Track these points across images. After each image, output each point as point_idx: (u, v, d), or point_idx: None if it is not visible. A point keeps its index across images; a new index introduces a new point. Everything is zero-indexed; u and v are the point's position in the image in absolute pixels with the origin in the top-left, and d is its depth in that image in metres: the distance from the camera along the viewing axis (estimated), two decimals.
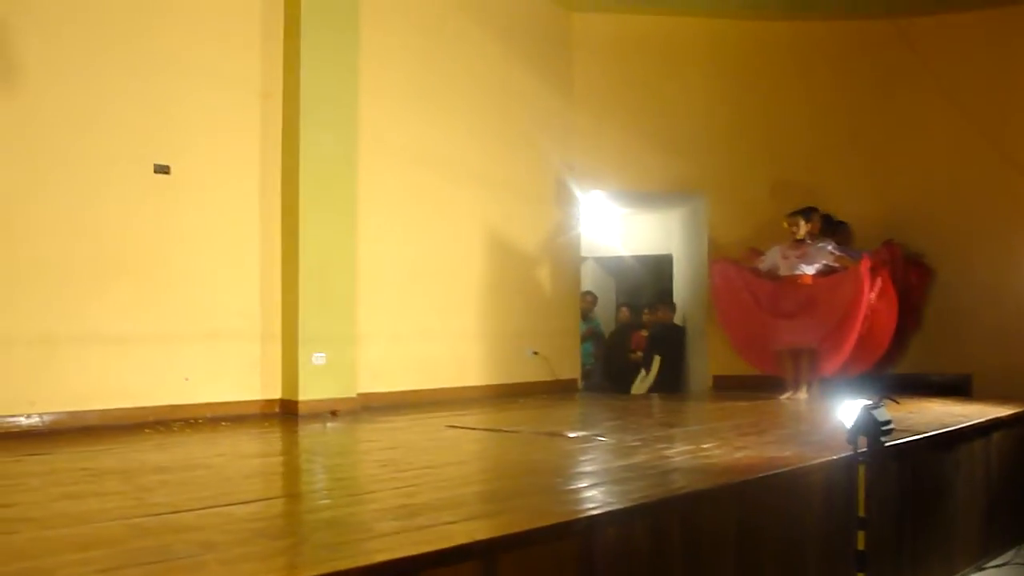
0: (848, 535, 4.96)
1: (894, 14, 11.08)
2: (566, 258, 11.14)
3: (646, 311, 12.46)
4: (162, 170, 7.47)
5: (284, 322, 8.21)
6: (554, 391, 10.45)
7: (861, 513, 4.90)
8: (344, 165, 8.48)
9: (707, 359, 11.35)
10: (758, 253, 10.16)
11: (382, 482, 5.02)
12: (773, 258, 9.88)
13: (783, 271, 9.77)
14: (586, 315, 12.23)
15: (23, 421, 6.70)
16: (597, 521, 3.89)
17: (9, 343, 6.68)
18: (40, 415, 6.78)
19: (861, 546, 4.88)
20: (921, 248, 10.80)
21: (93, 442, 6.29)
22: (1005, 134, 10.73)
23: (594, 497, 4.41)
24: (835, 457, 5.26)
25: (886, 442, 5.04)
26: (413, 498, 4.28)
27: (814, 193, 10.66)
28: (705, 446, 5.94)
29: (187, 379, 7.56)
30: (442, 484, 4.78)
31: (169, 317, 7.53)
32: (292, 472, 5.70)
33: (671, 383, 11.55)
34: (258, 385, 8.08)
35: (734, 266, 10.29)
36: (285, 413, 8.05)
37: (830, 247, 9.70)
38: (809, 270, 9.64)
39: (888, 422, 4.96)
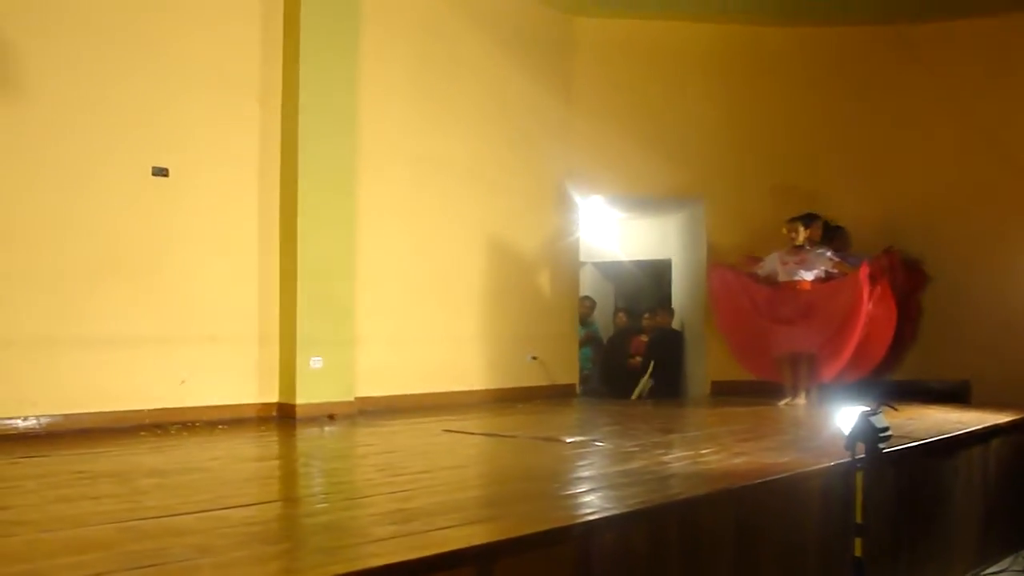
0: (846, 542, 4.93)
1: (893, 20, 11.07)
2: (565, 263, 11.13)
3: (645, 316, 12.44)
4: (160, 172, 7.45)
5: (282, 325, 8.19)
6: (552, 396, 10.44)
7: (859, 520, 4.88)
8: (343, 168, 8.47)
9: (705, 364, 11.34)
10: (756, 259, 10.16)
11: (379, 486, 5.01)
12: (772, 264, 9.87)
13: (782, 277, 9.76)
14: (584, 320, 12.21)
15: (19, 424, 6.69)
16: (594, 527, 3.87)
17: (6, 345, 6.66)
18: (36, 417, 6.76)
19: (858, 553, 4.86)
20: (920, 253, 10.77)
21: (89, 445, 6.28)
22: (1005, 139, 10.72)
23: (591, 502, 4.40)
24: (833, 464, 5.25)
25: (884, 449, 5.03)
26: (409, 503, 4.26)
27: (813, 198, 10.66)
28: (703, 452, 5.93)
29: (184, 382, 7.54)
30: (439, 489, 4.77)
31: (166, 319, 7.51)
32: (289, 476, 5.69)
33: (669, 388, 11.53)
34: (255, 388, 8.07)
35: (733, 271, 10.28)
36: (282, 417, 8.04)
37: (829, 253, 9.70)
38: (808, 276, 9.64)
39: (886, 429, 4.94)
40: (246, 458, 6.24)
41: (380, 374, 8.84)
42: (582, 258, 11.99)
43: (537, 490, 4.79)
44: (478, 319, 9.94)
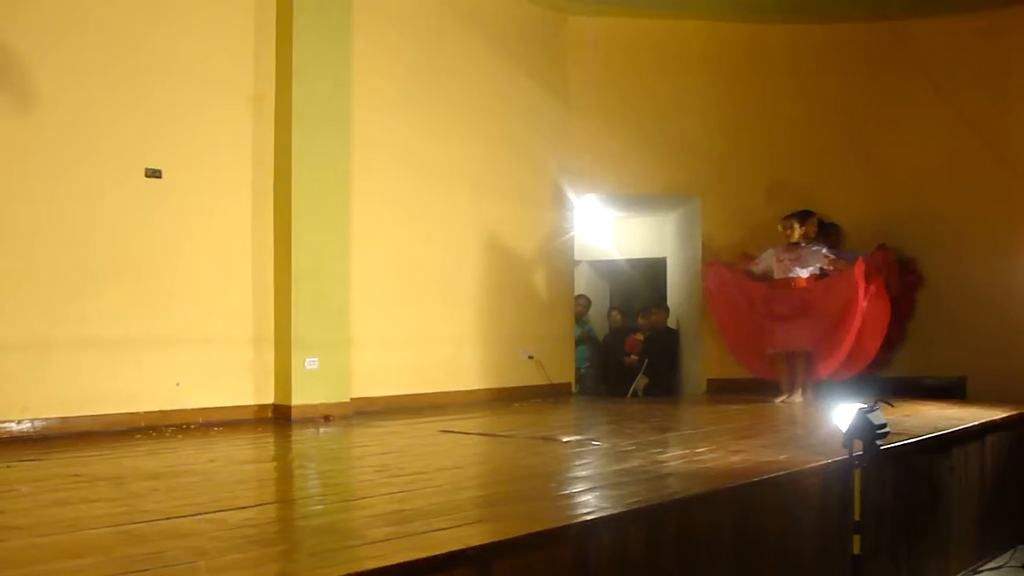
0: (844, 539, 4.94)
1: (888, 17, 11.06)
2: (560, 262, 11.12)
3: (640, 315, 12.44)
4: (153, 174, 7.44)
5: (277, 326, 8.18)
6: (548, 395, 10.43)
7: (857, 517, 4.89)
8: (337, 169, 8.46)
9: (701, 362, 11.33)
10: (751, 257, 10.16)
11: (375, 487, 5.00)
12: (767, 261, 9.88)
13: (777, 274, 9.77)
14: (580, 319, 12.20)
15: (14, 427, 6.67)
16: (592, 526, 3.87)
17: (4, 348, 6.64)
18: (32, 421, 6.75)
19: (857, 550, 4.87)
20: (915, 250, 10.79)
21: (85, 448, 6.26)
22: (1000, 136, 10.72)
23: (588, 502, 4.39)
24: (830, 461, 5.25)
25: (881, 446, 5.04)
26: (406, 504, 4.25)
27: (808, 196, 10.67)
28: (700, 450, 5.93)
29: (178, 384, 7.52)
30: (435, 489, 4.76)
31: (161, 322, 7.49)
32: (285, 478, 5.68)
33: (665, 387, 11.53)
34: (251, 390, 8.05)
35: (728, 269, 10.29)
36: (278, 418, 8.03)
37: (824, 250, 9.69)
38: (804, 273, 9.64)
39: (883, 426, 4.95)
40: (242, 460, 6.22)
41: (376, 374, 8.82)
42: (577, 257, 11.99)
43: (534, 490, 4.79)
44: (474, 319, 9.93)
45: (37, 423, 6.77)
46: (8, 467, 5.45)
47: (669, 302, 12.40)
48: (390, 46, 9.17)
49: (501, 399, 9.85)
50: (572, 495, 4.65)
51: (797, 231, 9.71)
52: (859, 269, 9.28)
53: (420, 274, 9.38)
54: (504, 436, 7.16)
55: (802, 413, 8.63)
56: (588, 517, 3.95)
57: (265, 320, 8.14)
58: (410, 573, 3.13)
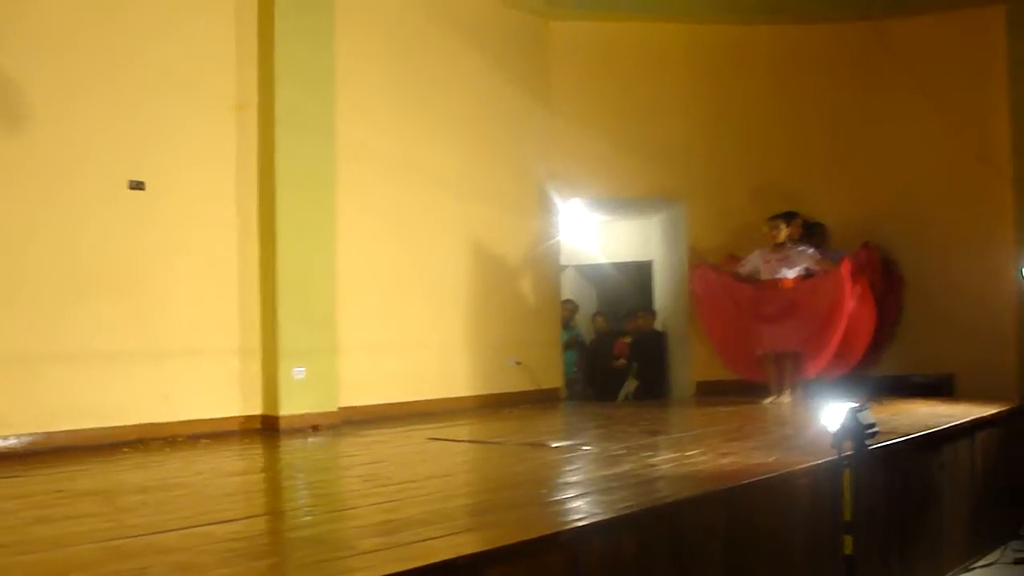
0: (836, 540, 4.92)
1: (870, 17, 11.08)
2: (546, 267, 11.09)
3: (627, 318, 12.42)
4: (137, 186, 7.40)
5: (263, 336, 8.13)
6: (537, 401, 10.39)
7: (847, 517, 4.87)
8: (322, 177, 8.42)
9: (690, 365, 11.31)
10: (737, 259, 10.15)
11: (364, 497, 4.98)
12: (754, 262, 9.87)
13: (764, 275, 9.77)
14: (567, 323, 12.17)
15: (0, 443, 6.62)
16: (583, 532, 3.85)
17: None
18: (16, 436, 6.70)
19: (849, 550, 4.85)
20: (900, 248, 10.79)
21: (70, 463, 6.21)
22: (982, 134, 10.74)
23: (579, 508, 4.37)
24: (820, 461, 5.23)
25: (871, 445, 5.02)
26: (396, 513, 4.23)
27: (793, 197, 10.66)
28: (690, 453, 5.91)
29: (167, 397, 7.48)
30: (425, 498, 4.73)
31: (147, 334, 7.44)
32: (273, 489, 5.65)
33: (654, 390, 11.51)
34: (238, 401, 8.00)
35: (714, 271, 10.29)
36: (266, 429, 7.98)
37: (810, 250, 9.70)
38: (790, 274, 9.64)
39: (873, 425, 4.93)
40: (230, 472, 6.20)
41: (364, 383, 8.78)
42: (564, 262, 11.96)
43: (525, 497, 4.76)
44: (461, 325, 9.89)
45: (22, 438, 6.72)
46: None
47: (656, 305, 12.38)
48: (373, 54, 9.14)
49: (490, 405, 9.82)
50: (563, 501, 4.62)
51: (783, 232, 9.71)
52: (845, 269, 9.29)
53: (406, 281, 9.35)
54: (493, 443, 7.14)
55: (791, 414, 8.63)
56: (580, 523, 3.93)
57: (252, 330, 8.10)
58: None
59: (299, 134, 8.23)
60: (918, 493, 6.50)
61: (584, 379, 12.27)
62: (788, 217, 9.81)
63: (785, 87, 11.32)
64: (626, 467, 5.43)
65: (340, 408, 8.43)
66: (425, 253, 9.55)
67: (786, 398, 9.44)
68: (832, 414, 4.94)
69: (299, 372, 8.11)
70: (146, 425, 7.29)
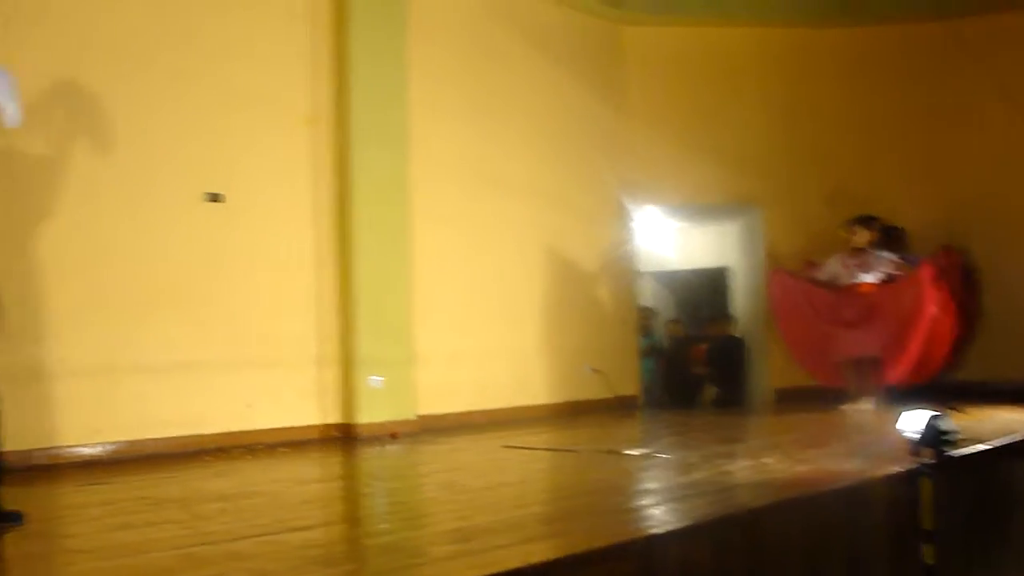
0: (916, 549, 4.85)
1: (946, 16, 10.92)
2: (623, 273, 11.07)
3: (705, 324, 12.36)
4: (214, 198, 7.51)
5: (341, 346, 8.22)
6: (614, 408, 10.37)
7: (927, 526, 4.80)
8: (397, 186, 8.49)
9: (768, 372, 11.23)
10: (815, 265, 10.04)
11: (439, 505, 5.01)
12: (833, 267, 9.77)
13: (843, 280, 9.66)
14: (645, 330, 12.14)
15: (86, 451, 6.75)
16: (657, 541, 3.83)
17: (71, 373, 6.72)
18: (103, 444, 6.83)
19: (929, 560, 4.78)
20: (982, 252, 10.59)
21: (153, 471, 6.33)
22: None
23: (653, 516, 4.36)
24: (899, 469, 5.15)
25: (951, 452, 4.94)
26: (469, 521, 4.24)
27: (870, 201, 10.52)
28: (766, 461, 5.85)
29: (250, 405, 7.57)
30: (499, 506, 4.74)
31: (227, 344, 7.56)
32: (349, 497, 5.69)
33: (732, 397, 11.44)
34: (317, 410, 8.09)
35: (792, 277, 10.17)
36: (344, 437, 8.05)
37: (890, 255, 9.57)
38: (869, 278, 9.52)
39: (953, 432, 4.86)
40: (308, 480, 6.26)
41: (441, 391, 8.82)
42: (640, 268, 11.93)
43: (598, 505, 4.75)
44: (538, 333, 9.91)
45: (108, 446, 6.85)
46: (78, 490, 5.52)
47: (734, 311, 12.32)
48: (445, 64, 9.20)
49: (566, 413, 9.82)
50: (637, 509, 4.62)
51: (861, 236, 9.60)
52: (926, 273, 9.15)
53: (482, 290, 9.39)
54: (568, 451, 7.14)
55: (870, 421, 8.51)
56: (653, 531, 3.92)
57: (329, 339, 8.19)
58: None
59: (374, 146, 8.32)
60: (1002, 502, 6.38)
61: (662, 386, 12.22)
62: (867, 221, 9.69)
63: (861, 89, 11.20)
64: (701, 475, 5.40)
65: (418, 416, 8.48)
66: (500, 261, 9.58)
67: (866, 405, 9.31)
68: (911, 421, 4.88)
69: (376, 381, 8.17)
70: (227, 434, 7.40)
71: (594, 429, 8.73)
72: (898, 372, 9.34)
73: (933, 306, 9.18)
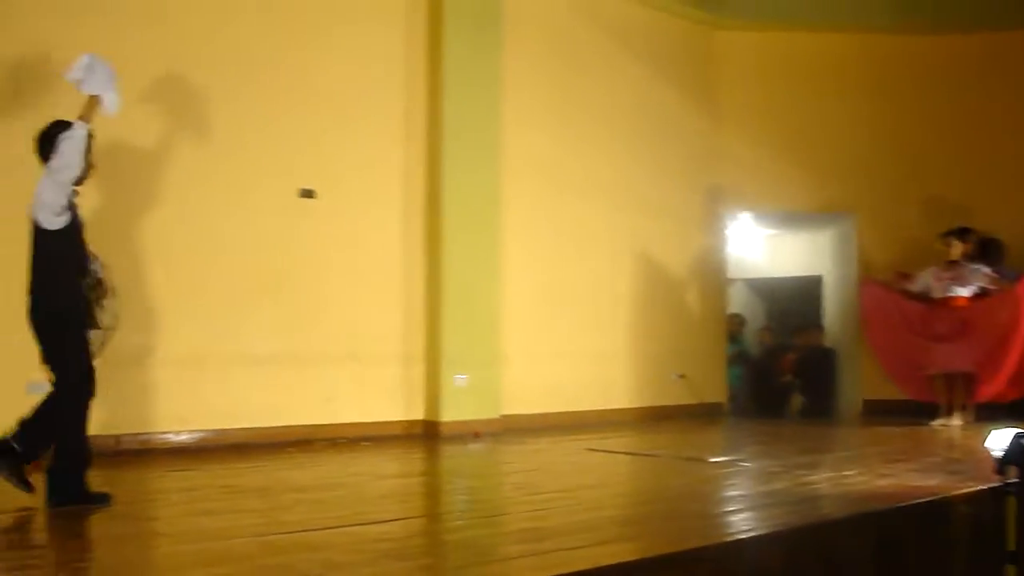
0: (998, 570, 4.76)
1: None
2: (712, 279, 11.00)
3: (795, 334, 12.23)
4: (307, 194, 7.62)
5: (427, 344, 8.30)
6: (699, 415, 10.32)
7: (1011, 547, 4.71)
8: (487, 189, 8.54)
9: (858, 383, 11.08)
10: (908, 276, 9.87)
11: (516, 504, 5.04)
12: (926, 280, 9.60)
13: (936, 293, 9.48)
14: (734, 337, 12.05)
15: (172, 438, 6.90)
16: (729, 548, 3.82)
17: (162, 362, 6.90)
18: (189, 432, 6.97)
19: None
20: None
21: (237, 460, 6.45)
22: None
23: (728, 523, 4.35)
24: (983, 487, 5.06)
25: None
26: (544, 521, 4.26)
27: (967, 212, 10.32)
28: (848, 473, 5.78)
29: (329, 399, 7.66)
30: (575, 508, 4.75)
31: (314, 338, 7.67)
32: (427, 493, 5.74)
33: (820, 408, 11.30)
34: (400, 406, 8.17)
35: (885, 288, 10.01)
36: (427, 434, 8.11)
37: (985, 268, 9.38)
38: (964, 292, 9.34)
39: None
40: (388, 475, 6.33)
41: (525, 392, 8.84)
42: (731, 275, 11.84)
43: (675, 510, 4.74)
44: (624, 337, 9.89)
45: (194, 434, 6.99)
46: (164, 476, 5.64)
47: (825, 321, 12.17)
48: (538, 66, 9.23)
49: (650, 418, 9.79)
50: (712, 516, 4.60)
51: (957, 248, 9.42)
52: (1022, 288, 8.96)
53: (569, 292, 9.39)
54: (650, 455, 7.12)
55: (959, 437, 8.35)
56: (726, 539, 3.90)
57: (415, 337, 8.26)
58: None
59: (466, 149, 8.38)
60: None
61: (749, 394, 12.12)
62: (962, 233, 9.51)
63: (958, 97, 10.98)
64: (781, 484, 5.35)
65: (502, 416, 8.51)
66: (587, 265, 9.58)
67: (956, 420, 9.14)
68: (997, 439, 4.79)
69: (461, 379, 8.22)
70: (311, 426, 7.51)
71: (677, 435, 8.70)
72: (991, 389, 9.16)
73: None
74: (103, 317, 4.82)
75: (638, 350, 10.01)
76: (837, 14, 10.76)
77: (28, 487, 4.55)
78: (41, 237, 4.62)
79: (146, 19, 6.95)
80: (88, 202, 5.46)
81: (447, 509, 5.21)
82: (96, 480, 4.63)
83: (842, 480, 5.52)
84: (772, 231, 12.59)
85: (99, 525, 4.22)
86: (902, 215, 10.84)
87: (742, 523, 4.35)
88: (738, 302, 12.92)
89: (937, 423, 9.17)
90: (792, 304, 13.15)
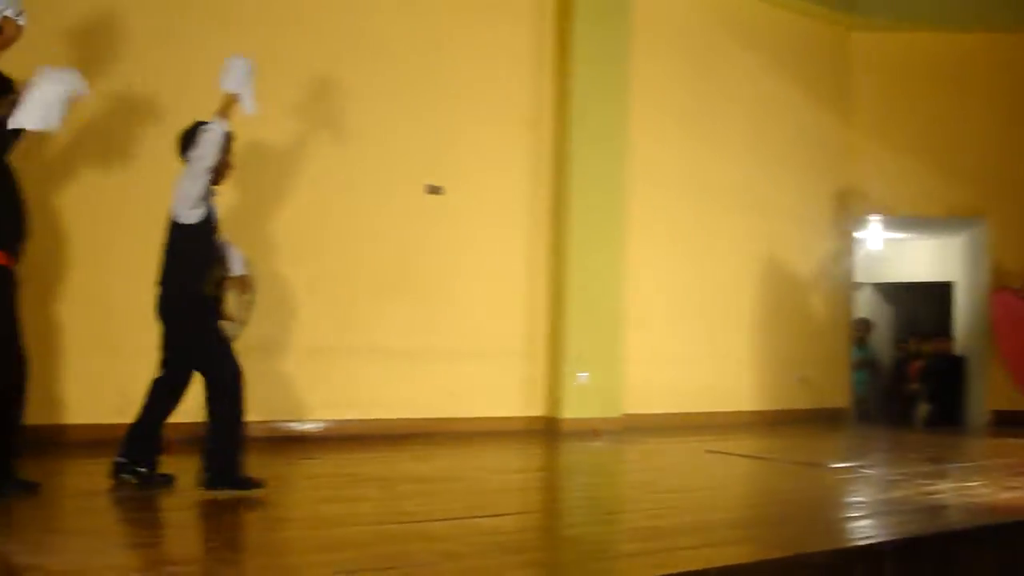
0: None
1: None
2: (839, 284, 10.86)
3: (923, 341, 12.00)
4: (434, 190, 7.74)
5: (550, 341, 8.36)
6: (821, 419, 10.20)
7: None
8: (613, 190, 8.57)
9: (986, 393, 10.82)
10: None
11: (632, 503, 5.09)
12: None
13: None
14: (859, 343, 11.88)
15: (298, 427, 7.06)
16: (842, 555, 3.79)
17: (292, 353, 7.08)
18: (315, 422, 7.14)
19: None
20: None
21: (359, 450, 6.61)
22: None
23: (844, 530, 4.32)
24: None
25: None
26: (659, 520, 4.29)
27: None
28: (971, 484, 5.69)
29: (452, 393, 7.77)
30: (691, 508, 4.77)
31: (437, 333, 7.79)
32: (545, 489, 5.80)
33: (947, 416, 11.07)
34: (522, 402, 8.25)
35: (1016, 296, 9.79)
36: (548, 431, 8.16)
37: None
38: None
39: None
40: (506, 470, 6.39)
41: (647, 391, 8.85)
42: (859, 279, 11.66)
43: (791, 515, 4.72)
44: (746, 339, 9.83)
45: (318, 424, 7.15)
46: (290, 464, 5.80)
47: (956, 328, 11.92)
48: (667, 67, 9.22)
49: (771, 421, 9.70)
50: (829, 522, 4.57)
51: None
52: None
53: (692, 293, 9.37)
54: (769, 459, 7.07)
55: None
56: (840, 545, 3.88)
57: (538, 334, 8.33)
58: None
59: (593, 146, 8.42)
60: None
61: (874, 401, 11.94)
62: None
63: None
64: (901, 493, 5.29)
65: (623, 415, 8.53)
66: (712, 267, 9.54)
67: None
68: None
69: (583, 377, 8.26)
70: (432, 419, 7.62)
71: (798, 439, 8.62)
72: None
73: None
74: (241, 311, 4.94)
75: (761, 353, 9.94)
76: (974, 14, 10.53)
77: (167, 480, 4.71)
78: (175, 231, 4.73)
79: (284, 22, 7.14)
80: (226, 199, 5.66)
81: (565, 505, 5.26)
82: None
83: (965, 491, 5.43)
84: (902, 235, 12.36)
85: (225, 509, 4.36)
86: None
87: (858, 530, 4.32)
88: (864, 307, 12.72)
89: None
90: (921, 310, 12.90)
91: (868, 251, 11.78)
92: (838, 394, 10.78)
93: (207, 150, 4.66)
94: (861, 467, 6.56)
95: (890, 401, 11.74)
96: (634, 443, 7.72)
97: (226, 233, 5.04)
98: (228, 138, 4.77)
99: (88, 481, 4.81)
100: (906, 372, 11.73)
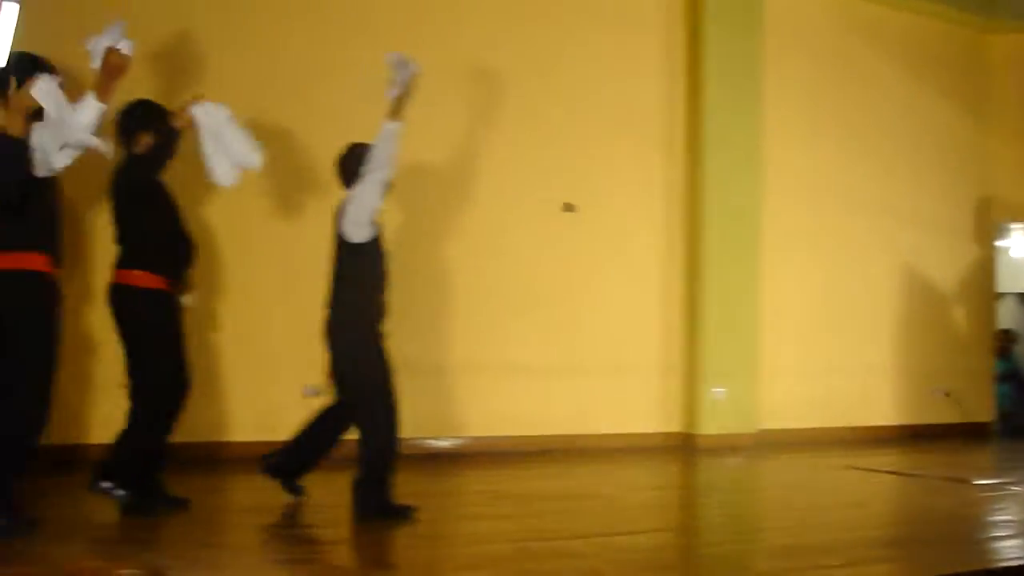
0: None
1: None
2: (981, 294, 10.59)
3: None
4: (569, 208, 7.78)
5: (685, 356, 8.31)
6: (965, 434, 9.94)
7: None
8: (747, 201, 8.49)
9: None
10: None
11: (770, 520, 5.06)
12: None
13: None
14: (1003, 354, 11.57)
15: (438, 444, 7.15)
16: None
17: (431, 371, 7.14)
18: (450, 439, 7.21)
19: None
20: None
21: (497, 466, 6.66)
22: None
23: (994, 549, 4.23)
24: None
25: None
26: (797, 538, 4.26)
27: None
28: None
29: (586, 411, 7.78)
30: (831, 526, 4.72)
31: (574, 349, 7.81)
32: (683, 506, 5.79)
33: None
34: (657, 418, 8.21)
35: None
36: (684, 447, 8.11)
37: None
38: None
39: None
40: (643, 487, 6.39)
41: (784, 406, 8.73)
42: (1002, 289, 11.37)
43: (936, 533, 4.64)
44: (883, 352, 9.63)
45: (455, 441, 7.22)
46: (431, 480, 5.88)
47: None
48: (799, 77, 9.10)
49: (912, 436, 9.49)
50: (978, 541, 4.49)
51: None
52: None
53: (829, 305, 9.22)
54: (911, 475, 6.93)
55: None
56: (991, 566, 3.80)
57: (673, 349, 8.29)
58: None
59: (725, 160, 8.35)
60: None
61: (1019, 415, 11.61)
62: None
63: None
64: None
65: (760, 430, 8.45)
66: (849, 279, 9.38)
67: None
68: None
69: (719, 392, 8.21)
70: (567, 436, 7.62)
71: (941, 454, 8.43)
72: None
73: None
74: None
75: (900, 366, 9.74)
76: None
77: (298, 491, 4.82)
78: (344, 251, 4.69)
79: (411, 44, 7.21)
80: None
81: (703, 523, 5.24)
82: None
83: None
84: None
85: (374, 525, 4.41)
86: None
87: (1009, 550, 4.22)
88: (1009, 317, 12.40)
89: None
90: None
91: (1011, 259, 11.49)
92: (981, 408, 10.50)
93: (384, 158, 4.61)
94: (1008, 484, 6.39)
95: None
96: (772, 459, 7.65)
97: None
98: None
99: (246, 497, 4.95)
100: None
